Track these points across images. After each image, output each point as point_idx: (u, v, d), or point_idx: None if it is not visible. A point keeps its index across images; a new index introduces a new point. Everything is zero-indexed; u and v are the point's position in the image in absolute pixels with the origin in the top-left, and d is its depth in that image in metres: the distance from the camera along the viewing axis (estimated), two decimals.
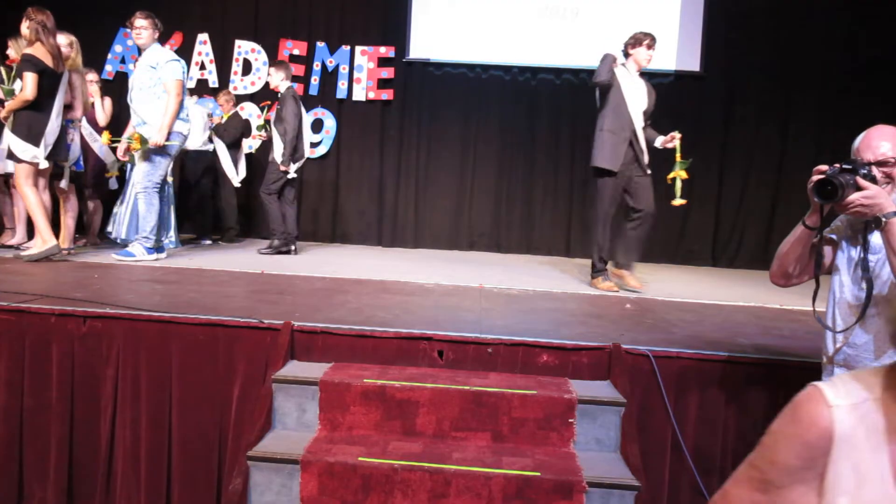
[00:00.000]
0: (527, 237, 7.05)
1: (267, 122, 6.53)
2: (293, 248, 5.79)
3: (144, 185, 4.67)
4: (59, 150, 4.54)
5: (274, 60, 6.59)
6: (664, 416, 2.70)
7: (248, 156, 6.89)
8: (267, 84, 6.98)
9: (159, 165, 4.70)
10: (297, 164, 5.74)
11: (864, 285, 1.83)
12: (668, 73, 6.82)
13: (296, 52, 7.03)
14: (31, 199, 4.34)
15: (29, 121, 4.31)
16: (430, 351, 2.81)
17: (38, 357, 2.85)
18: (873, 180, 1.77)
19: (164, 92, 4.66)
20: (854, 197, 1.73)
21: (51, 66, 4.33)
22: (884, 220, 1.72)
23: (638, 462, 2.40)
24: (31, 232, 5.09)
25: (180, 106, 4.69)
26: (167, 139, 4.63)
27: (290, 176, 5.68)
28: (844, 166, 1.78)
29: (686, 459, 2.68)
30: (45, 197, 4.53)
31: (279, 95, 5.75)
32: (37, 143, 4.33)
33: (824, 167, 1.79)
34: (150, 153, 4.64)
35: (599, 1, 6.84)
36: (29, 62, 4.23)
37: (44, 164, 4.38)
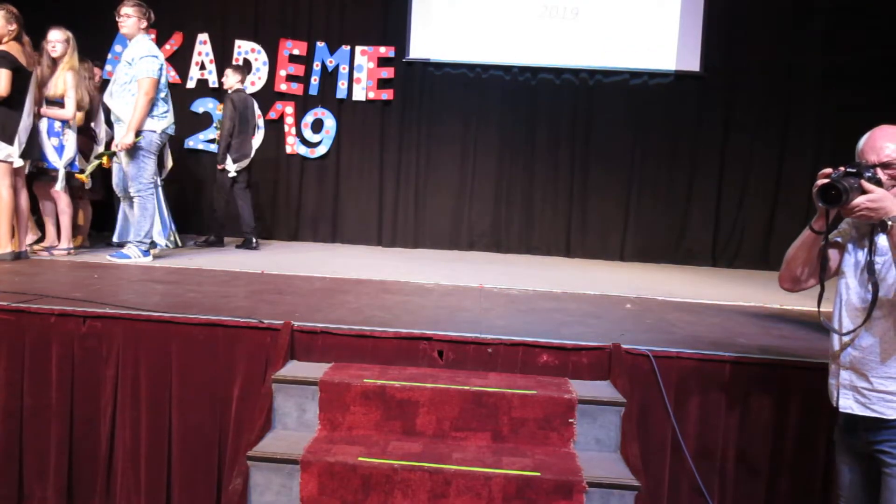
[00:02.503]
0: (527, 237, 7.05)
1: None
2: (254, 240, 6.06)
3: (137, 188, 4.61)
4: (32, 149, 4.45)
5: (233, 63, 6.59)
6: (664, 416, 2.70)
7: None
8: (266, 84, 7.02)
9: (143, 166, 4.60)
10: (241, 164, 5.94)
11: (870, 288, 1.83)
12: (668, 73, 6.82)
13: (296, 52, 7.03)
14: (3, 200, 4.30)
15: (3, 119, 4.22)
16: (430, 351, 2.81)
17: (38, 357, 2.85)
18: (878, 183, 1.75)
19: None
20: (859, 201, 1.72)
21: (23, 63, 4.28)
22: (889, 223, 1.71)
23: (638, 462, 2.41)
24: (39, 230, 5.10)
25: (153, 104, 4.54)
26: (137, 136, 4.49)
27: (230, 175, 5.90)
28: (849, 169, 1.77)
29: (686, 459, 2.68)
30: (22, 199, 4.48)
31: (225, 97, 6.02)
32: (10, 142, 4.25)
33: (828, 170, 1.78)
34: (132, 154, 4.54)
35: (599, 1, 6.83)
36: (4, 58, 4.18)
37: (18, 163, 4.30)
